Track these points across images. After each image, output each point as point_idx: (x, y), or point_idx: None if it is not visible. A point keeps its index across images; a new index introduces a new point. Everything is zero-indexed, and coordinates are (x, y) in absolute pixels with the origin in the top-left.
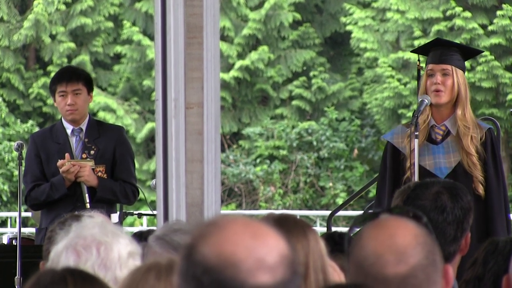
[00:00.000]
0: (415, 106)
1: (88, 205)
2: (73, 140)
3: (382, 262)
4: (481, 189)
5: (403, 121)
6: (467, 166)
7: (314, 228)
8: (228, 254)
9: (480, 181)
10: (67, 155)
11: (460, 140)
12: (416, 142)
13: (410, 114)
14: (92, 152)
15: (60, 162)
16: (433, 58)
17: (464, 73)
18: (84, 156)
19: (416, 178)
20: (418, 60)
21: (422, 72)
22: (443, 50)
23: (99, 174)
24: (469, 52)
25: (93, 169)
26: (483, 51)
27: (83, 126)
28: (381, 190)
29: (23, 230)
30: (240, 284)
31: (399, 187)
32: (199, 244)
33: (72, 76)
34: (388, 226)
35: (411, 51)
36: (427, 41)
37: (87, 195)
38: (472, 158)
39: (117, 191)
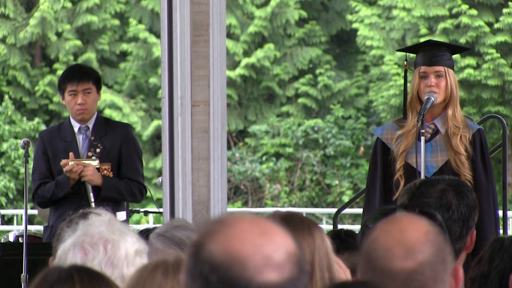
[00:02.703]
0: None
1: (93, 204)
2: (79, 138)
3: (390, 256)
4: None
5: None
6: (455, 165)
7: (320, 226)
8: (235, 251)
9: (468, 180)
10: (71, 154)
11: (449, 139)
12: (422, 139)
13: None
14: (98, 150)
15: (63, 161)
16: (425, 60)
17: (453, 71)
18: (90, 154)
19: (422, 176)
20: (406, 60)
21: (409, 72)
22: (433, 51)
23: (105, 172)
24: (456, 49)
25: (98, 168)
26: (470, 48)
27: (90, 124)
28: (371, 188)
29: (30, 227)
30: (247, 282)
31: (389, 187)
32: (206, 241)
33: (83, 75)
34: (400, 222)
35: (397, 50)
36: (433, 38)
37: (91, 194)
38: (461, 157)
39: (123, 189)
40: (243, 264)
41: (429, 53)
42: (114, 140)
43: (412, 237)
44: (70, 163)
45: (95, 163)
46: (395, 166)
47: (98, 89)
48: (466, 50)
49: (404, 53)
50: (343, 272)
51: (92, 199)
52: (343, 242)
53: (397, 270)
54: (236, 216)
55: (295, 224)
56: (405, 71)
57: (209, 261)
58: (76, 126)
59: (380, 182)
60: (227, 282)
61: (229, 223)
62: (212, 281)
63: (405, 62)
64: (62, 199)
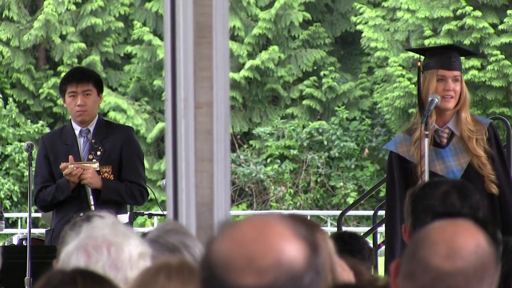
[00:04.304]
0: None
1: (92, 207)
2: (81, 141)
3: (433, 251)
4: (493, 188)
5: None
6: (478, 167)
7: (324, 228)
8: (224, 253)
9: (492, 180)
10: (70, 157)
11: (465, 143)
12: (426, 141)
13: (413, 110)
14: (98, 153)
15: (62, 165)
16: (444, 64)
17: None
18: (90, 157)
19: (427, 178)
20: (419, 60)
21: (422, 73)
22: (450, 55)
23: (105, 174)
24: (465, 52)
25: (98, 170)
26: (477, 53)
27: (91, 127)
28: (392, 204)
29: (33, 230)
30: (226, 283)
31: None
32: (214, 240)
33: (82, 76)
34: (459, 225)
35: (407, 49)
36: (438, 40)
37: (91, 197)
38: (481, 159)
39: (123, 192)
40: (226, 265)
41: (447, 57)
42: (115, 143)
43: (462, 242)
44: (69, 166)
45: (95, 165)
46: (416, 172)
47: (99, 91)
48: (474, 54)
49: (408, 55)
50: (346, 275)
51: (92, 202)
52: (347, 244)
53: (433, 266)
54: (252, 218)
55: None
56: (419, 71)
57: (207, 258)
58: (77, 129)
59: (400, 196)
60: (210, 281)
61: (237, 225)
62: (202, 277)
63: (419, 62)
64: (62, 202)
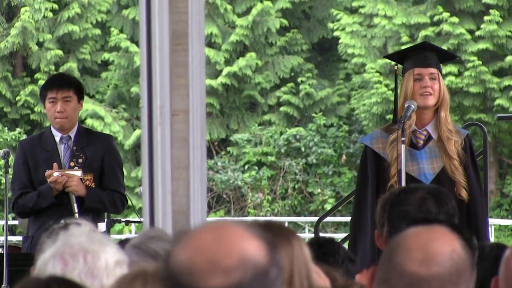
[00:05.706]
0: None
1: (76, 215)
2: (61, 148)
3: (408, 257)
4: (464, 194)
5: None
6: (450, 171)
7: (301, 234)
8: (185, 260)
9: (463, 186)
10: (55, 165)
11: (442, 144)
12: (402, 147)
13: (390, 116)
14: (80, 160)
15: (48, 172)
16: (420, 62)
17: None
18: (72, 164)
19: (403, 184)
20: (396, 64)
21: (399, 77)
22: (425, 54)
23: (87, 182)
24: (445, 56)
25: (81, 178)
26: (458, 57)
27: (72, 134)
28: (362, 198)
29: (10, 238)
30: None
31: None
32: (173, 250)
33: (63, 83)
34: (435, 231)
35: (384, 57)
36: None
37: (75, 204)
38: (455, 162)
39: (106, 200)
40: (190, 272)
41: (422, 56)
42: (97, 151)
43: (438, 248)
44: (54, 174)
45: (79, 173)
46: (389, 172)
47: (80, 98)
48: (454, 58)
49: (385, 61)
50: (322, 281)
51: (76, 210)
52: (321, 247)
53: (408, 272)
54: (206, 225)
55: (273, 233)
56: (395, 75)
57: (168, 269)
58: (57, 135)
59: (372, 192)
60: None
61: (193, 231)
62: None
63: (396, 66)
64: (43, 209)
